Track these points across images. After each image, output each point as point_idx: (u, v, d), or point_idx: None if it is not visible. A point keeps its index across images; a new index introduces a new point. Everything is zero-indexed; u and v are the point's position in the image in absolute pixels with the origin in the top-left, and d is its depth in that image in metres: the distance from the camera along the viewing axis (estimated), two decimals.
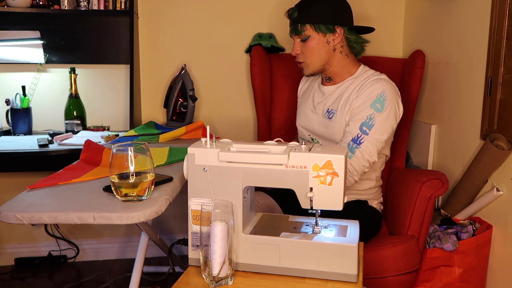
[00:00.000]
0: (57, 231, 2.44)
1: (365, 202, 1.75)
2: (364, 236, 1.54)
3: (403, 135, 2.03)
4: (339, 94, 1.69)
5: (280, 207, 1.66)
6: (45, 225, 2.41)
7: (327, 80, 1.75)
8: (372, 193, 1.77)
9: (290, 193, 1.13)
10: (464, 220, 1.78)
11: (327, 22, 1.61)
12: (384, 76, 1.66)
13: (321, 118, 1.73)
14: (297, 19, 1.63)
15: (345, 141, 1.58)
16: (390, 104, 1.59)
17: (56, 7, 2.18)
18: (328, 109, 1.70)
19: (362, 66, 1.73)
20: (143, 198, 1.18)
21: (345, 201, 1.10)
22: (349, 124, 1.60)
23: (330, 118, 1.68)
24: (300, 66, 1.72)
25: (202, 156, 1.11)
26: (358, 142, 1.56)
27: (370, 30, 1.74)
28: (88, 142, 1.64)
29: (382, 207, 1.83)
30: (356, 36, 1.69)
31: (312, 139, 1.77)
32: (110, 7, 2.20)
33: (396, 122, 1.64)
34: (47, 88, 2.36)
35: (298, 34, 1.66)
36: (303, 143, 1.11)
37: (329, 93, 1.73)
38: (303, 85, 1.94)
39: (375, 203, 1.79)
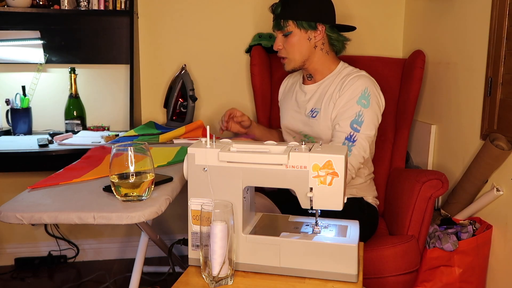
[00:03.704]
0: (57, 231, 2.44)
1: (361, 199, 1.75)
2: (363, 234, 1.55)
3: (403, 135, 2.03)
4: (321, 93, 1.71)
5: (279, 208, 1.66)
6: (45, 225, 2.41)
7: (308, 77, 1.77)
8: (365, 187, 1.78)
9: (289, 193, 1.13)
10: (464, 220, 1.78)
11: (309, 19, 1.64)
12: (364, 73, 1.69)
13: (305, 118, 1.74)
14: (280, 14, 1.66)
15: (338, 140, 1.59)
16: (374, 98, 1.63)
17: (56, 7, 2.18)
18: (312, 108, 1.72)
19: (341, 63, 1.76)
20: (143, 198, 1.18)
21: (345, 201, 1.10)
22: (338, 124, 1.61)
23: (314, 117, 1.70)
24: (282, 61, 1.74)
25: (202, 156, 1.11)
26: (352, 140, 1.58)
27: (351, 29, 1.76)
28: (102, 147, 1.66)
29: (378, 202, 1.84)
30: (338, 34, 1.71)
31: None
32: (110, 7, 2.20)
33: (381, 113, 1.67)
34: (47, 88, 2.36)
35: (280, 29, 1.68)
36: (303, 143, 1.12)
37: (311, 93, 1.75)
38: (284, 87, 1.96)
39: (370, 198, 1.80)
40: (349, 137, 1.58)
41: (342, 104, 1.62)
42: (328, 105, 1.66)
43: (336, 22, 1.73)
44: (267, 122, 2.23)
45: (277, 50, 1.72)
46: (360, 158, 1.59)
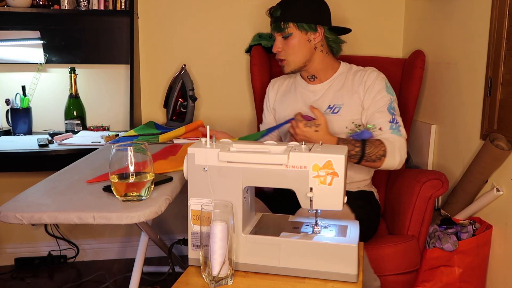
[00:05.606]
0: (57, 231, 2.44)
1: (372, 193, 1.78)
2: (367, 231, 1.60)
3: None
4: (336, 89, 1.72)
5: (279, 208, 1.65)
6: (45, 225, 2.41)
7: (311, 78, 1.77)
8: (371, 184, 1.81)
9: (289, 193, 1.13)
10: (464, 220, 1.78)
11: (309, 21, 1.66)
12: (374, 68, 1.75)
13: None
14: (281, 17, 1.67)
15: (385, 125, 1.62)
16: (391, 88, 1.71)
17: (56, 7, 2.18)
18: (330, 105, 1.71)
19: (342, 62, 1.80)
20: (143, 198, 1.18)
21: (345, 201, 1.10)
22: (378, 112, 1.64)
23: (336, 113, 1.69)
24: (281, 64, 1.74)
25: (202, 156, 1.11)
26: (395, 122, 1.63)
27: (347, 31, 1.78)
28: (174, 145, 1.73)
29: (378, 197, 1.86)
30: (335, 36, 1.74)
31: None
32: (110, 7, 2.20)
33: None
34: (47, 88, 2.36)
35: (280, 32, 1.69)
36: (303, 143, 1.12)
37: (322, 91, 1.75)
38: (275, 91, 1.89)
39: (375, 195, 1.82)
40: (392, 120, 1.63)
41: (373, 95, 1.66)
42: (352, 97, 1.68)
43: (336, 23, 1.76)
44: None
45: (276, 53, 1.72)
46: (405, 136, 1.65)
